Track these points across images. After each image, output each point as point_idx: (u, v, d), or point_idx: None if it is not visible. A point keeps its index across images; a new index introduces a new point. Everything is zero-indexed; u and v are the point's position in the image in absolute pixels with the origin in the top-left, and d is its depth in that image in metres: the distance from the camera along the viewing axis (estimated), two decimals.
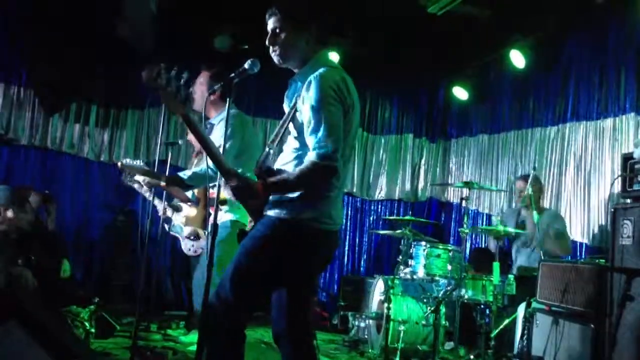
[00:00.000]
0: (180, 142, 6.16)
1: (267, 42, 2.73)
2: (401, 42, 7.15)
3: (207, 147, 2.65)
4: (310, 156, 2.49)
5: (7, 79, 7.02)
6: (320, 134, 2.47)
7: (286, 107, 2.77)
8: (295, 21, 2.67)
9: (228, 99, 2.73)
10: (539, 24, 6.29)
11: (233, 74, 2.69)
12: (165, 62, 2.43)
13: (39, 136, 7.15)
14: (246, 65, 2.67)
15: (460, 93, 7.70)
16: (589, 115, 5.92)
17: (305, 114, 2.55)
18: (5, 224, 4.55)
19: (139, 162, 4.38)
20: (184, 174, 4.06)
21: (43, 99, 7.13)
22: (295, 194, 2.55)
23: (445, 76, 8.19)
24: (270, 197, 2.63)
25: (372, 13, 6.41)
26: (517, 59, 6.51)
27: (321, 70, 2.58)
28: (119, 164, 4.33)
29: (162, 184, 4.05)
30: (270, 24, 2.71)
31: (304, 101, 2.55)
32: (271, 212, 2.59)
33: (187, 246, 5.32)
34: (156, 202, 5.15)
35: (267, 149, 2.75)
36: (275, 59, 2.73)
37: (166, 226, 5.42)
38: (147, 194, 4.97)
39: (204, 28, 7.01)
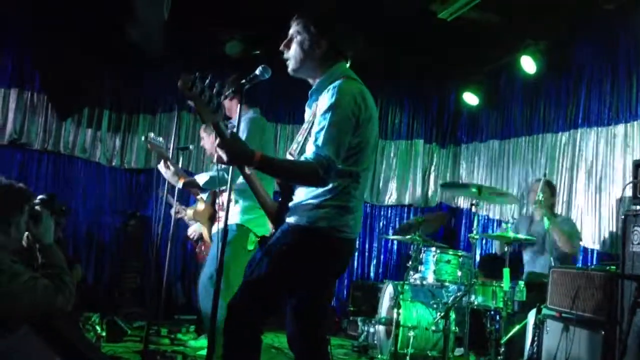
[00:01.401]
0: (191, 147, 6.19)
1: (280, 47, 2.74)
2: (411, 47, 7.16)
3: None
4: (308, 156, 2.48)
5: (20, 85, 7.10)
6: (321, 141, 2.47)
7: (306, 116, 2.79)
8: (313, 30, 2.67)
9: (240, 105, 2.76)
10: (550, 29, 6.28)
11: (244, 80, 2.71)
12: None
13: (51, 141, 7.23)
14: (257, 72, 2.69)
15: (470, 98, 7.69)
16: (600, 121, 5.90)
17: (316, 121, 2.56)
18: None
19: (161, 140, 4.42)
20: (201, 179, 4.12)
21: (56, 104, 7.20)
22: (314, 203, 2.56)
23: (455, 82, 8.18)
24: (290, 204, 2.66)
25: (382, 18, 6.41)
26: (528, 64, 6.49)
27: (340, 81, 2.58)
28: (143, 138, 4.38)
29: (179, 185, 4.11)
30: (291, 29, 2.73)
31: (319, 110, 2.57)
32: (290, 220, 2.61)
33: (193, 232, 5.39)
34: (171, 201, 5.18)
35: (287, 157, 2.77)
36: (289, 68, 2.75)
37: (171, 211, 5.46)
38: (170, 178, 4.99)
39: (216, 33, 7.05)
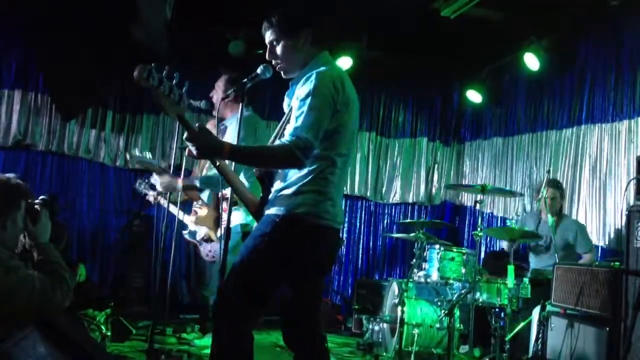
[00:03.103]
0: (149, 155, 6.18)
1: (267, 57, 2.76)
2: (415, 45, 7.15)
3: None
4: (285, 139, 2.51)
5: (24, 86, 7.12)
6: (300, 123, 2.49)
7: (286, 107, 2.81)
8: (289, 30, 2.70)
9: (241, 104, 2.77)
10: (554, 26, 6.27)
11: (245, 79, 2.73)
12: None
13: (55, 142, 7.24)
14: (258, 71, 2.71)
15: (474, 96, 7.68)
16: (604, 117, 5.88)
17: (293, 106, 2.59)
18: None
19: (148, 155, 4.41)
20: (197, 179, 4.13)
21: (59, 105, 7.21)
22: (291, 190, 2.58)
23: (459, 79, 8.18)
24: (270, 196, 2.67)
25: (385, 17, 6.41)
26: (532, 61, 6.47)
27: (321, 68, 2.62)
28: (128, 157, 4.39)
29: (179, 187, 4.11)
30: (267, 38, 2.75)
31: (298, 97, 2.59)
32: (270, 211, 2.62)
33: (205, 251, 5.33)
34: (172, 208, 5.18)
35: None
36: (281, 72, 2.78)
37: (183, 232, 5.44)
38: (161, 201, 5.02)
39: (219, 33, 7.05)
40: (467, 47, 7.00)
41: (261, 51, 7.01)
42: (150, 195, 5.53)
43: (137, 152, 4.36)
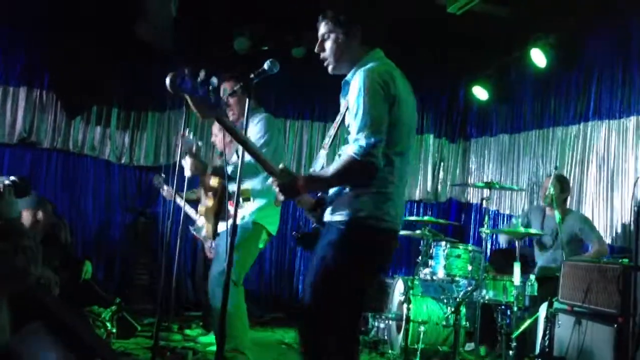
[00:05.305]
0: (200, 144, 6.16)
1: (316, 50, 2.73)
2: (420, 42, 7.11)
3: (249, 148, 2.61)
4: (348, 150, 2.45)
5: (29, 83, 7.12)
6: (359, 125, 2.43)
7: (342, 108, 2.74)
8: (341, 25, 2.65)
9: (248, 99, 2.75)
10: (560, 22, 6.22)
11: (252, 75, 2.71)
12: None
13: (61, 139, 7.24)
14: (265, 66, 2.68)
15: (480, 93, 7.64)
16: (611, 113, 5.84)
17: (350, 107, 2.53)
18: (40, 226, 4.57)
19: (200, 143, 4.31)
20: (228, 168, 4.02)
21: (65, 103, 7.21)
22: (351, 192, 2.51)
23: (465, 76, 8.13)
24: (329, 195, 2.62)
25: (390, 14, 6.38)
26: (538, 57, 6.43)
27: (369, 64, 2.57)
28: (181, 135, 4.25)
29: (208, 172, 4.05)
30: (320, 30, 2.71)
31: (350, 98, 2.54)
32: (334, 217, 2.56)
33: (209, 248, 5.31)
34: (178, 200, 5.16)
35: (321, 152, 2.75)
36: (329, 67, 2.73)
37: (190, 228, 5.43)
38: (176, 198, 5.01)
39: (224, 29, 7.04)
40: (473, 43, 6.96)
41: (266, 47, 7.03)
42: (165, 190, 5.55)
43: (191, 136, 4.20)
